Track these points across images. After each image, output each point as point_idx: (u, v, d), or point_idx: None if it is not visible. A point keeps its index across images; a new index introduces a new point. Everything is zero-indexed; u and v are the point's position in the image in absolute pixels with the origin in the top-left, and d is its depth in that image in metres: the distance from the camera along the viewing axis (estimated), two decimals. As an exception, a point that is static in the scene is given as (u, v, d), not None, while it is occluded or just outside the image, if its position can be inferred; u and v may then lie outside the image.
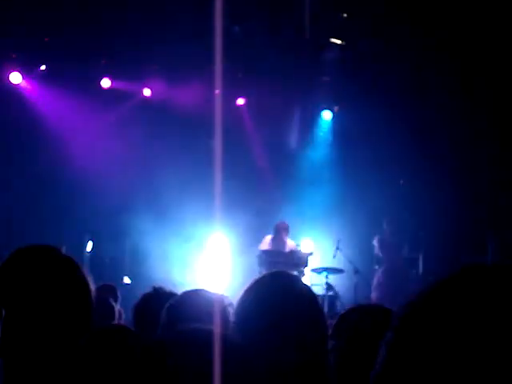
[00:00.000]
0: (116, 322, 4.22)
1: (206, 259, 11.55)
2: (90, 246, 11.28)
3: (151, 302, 3.12)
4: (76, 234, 10.78)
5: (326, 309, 9.63)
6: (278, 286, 1.98)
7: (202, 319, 2.03)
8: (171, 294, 3.10)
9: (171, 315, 2.41)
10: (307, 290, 1.98)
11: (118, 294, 5.33)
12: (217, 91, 11.42)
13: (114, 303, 4.24)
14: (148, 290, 3.31)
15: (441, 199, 10.96)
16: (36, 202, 10.81)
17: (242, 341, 1.78)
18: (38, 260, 1.78)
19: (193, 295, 2.50)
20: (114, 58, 11.00)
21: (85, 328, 1.75)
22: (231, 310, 2.37)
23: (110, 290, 5.16)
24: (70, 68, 10.68)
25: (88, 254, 11.26)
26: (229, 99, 11.56)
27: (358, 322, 2.21)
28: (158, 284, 3.41)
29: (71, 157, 10.80)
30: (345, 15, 10.71)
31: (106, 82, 11.47)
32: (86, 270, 1.85)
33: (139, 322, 3.13)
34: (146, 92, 11.80)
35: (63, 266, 1.80)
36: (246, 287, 2.02)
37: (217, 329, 1.15)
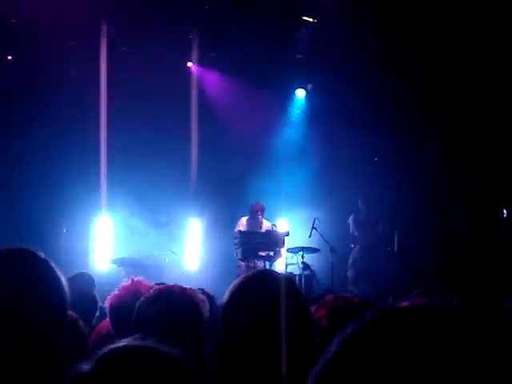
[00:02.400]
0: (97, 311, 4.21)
1: (184, 242, 11.54)
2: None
3: (128, 294, 3.07)
4: (51, 220, 10.68)
5: (302, 288, 9.67)
6: (266, 287, 1.93)
7: (174, 317, 2.02)
8: (149, 288, 3.08)
9: (142, 313, 2.37)
10: (294, 288, 1.95)
11: (95, 282, 5.30)
12: (192, 66, 11.48)
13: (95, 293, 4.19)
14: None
15: (415, 176, 11.02)
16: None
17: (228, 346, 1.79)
18: (16, 263, 1.77)
19: (164, 293, 2.46)
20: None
21: (59, 331, 1.73)
22: (205, 306, 2.34)
23: (87, 279, 5.13)
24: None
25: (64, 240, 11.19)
26: (202, 77, 11.50)
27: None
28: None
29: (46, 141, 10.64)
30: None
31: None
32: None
33: (114, 316, 3.10)
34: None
35: (41, 268, 1.78)
36: (230, 288, 1.97)
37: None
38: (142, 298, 2.45)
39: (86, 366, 1.16)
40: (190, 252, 11.55)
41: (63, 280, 1.79)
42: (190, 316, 2.32)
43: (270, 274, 2.05)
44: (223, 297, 2.00)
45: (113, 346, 1.20)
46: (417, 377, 0.71)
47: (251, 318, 1.87)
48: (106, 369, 1.14)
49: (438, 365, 0.72)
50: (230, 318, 1.91)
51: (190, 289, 2.53)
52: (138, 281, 3.28)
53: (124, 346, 1.20)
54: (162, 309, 2.31)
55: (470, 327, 0.75)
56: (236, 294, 1.95)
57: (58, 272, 1.81)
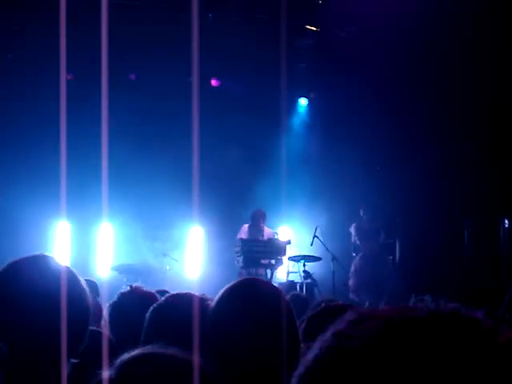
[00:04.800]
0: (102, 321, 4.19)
1: (185, 249, 11.53)
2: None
3: (128, 301, 3.10)
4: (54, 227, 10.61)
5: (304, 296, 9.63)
6: (251, 294, 1.97)
7: (186, 325, 2.02)
8: (148, 294, 3.12)
9: (155, 320, 2.38)
10: (279, 295, 1.98)
11: (100, 290, 5.26)
12: (194, 77, 11.48)
13: (99, 301, 4.16)
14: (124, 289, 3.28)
15: (417, 185, 11.01)
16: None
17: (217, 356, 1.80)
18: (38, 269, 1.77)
19: (177, 299, 2.46)
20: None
21: (84, 332, 1.74)
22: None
23: (91, 286, 5.09)
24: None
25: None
26: (204, 87, 11.49)
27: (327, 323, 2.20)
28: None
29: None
30: (320, 1, 10.67)
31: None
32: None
33: (115, 321, 3.11)
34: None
35: (64, 275, 1.80)
36: (218, 297, 2.00)
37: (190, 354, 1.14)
38: (155, 305, 2.46)
39: (107, 373, 1.13)
40: (191, 259, 11.54)
41: (85, 284, 1.81)
42: (202, 323, 2.32)
43: (256, 283, 2.08)
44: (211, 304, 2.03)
45: (134, 352, 1.18)
46: (388, 376, 0.72)
47: (238, 325, 1.90)
48: (128, 375, 1.11)
49: (411, 367, 0.71)
50: (217, 326, 1.92)
51: (202, 296, 2.53)
52: (136, 287, 3.28)
53: (146, 353, 1.17)
54: (174, 316, 2.32)
55: (440, 331, 0.74)
56: (222, 302, 1.98)
57: (79, 277, 1.84)
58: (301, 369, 0.79)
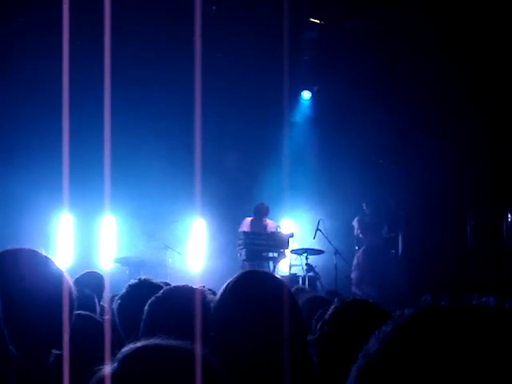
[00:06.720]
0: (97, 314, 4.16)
1: (188, 242, 11.54)
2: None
3: (136, 293, 3.08)
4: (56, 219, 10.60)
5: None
6: (255, 287, 1.95)
7: (184, 317, 2.02)
8: (157, 286, 3.10)
9: (153, 312, 2.37)
10: (283, 287, 1.96)
11: (105, 282, 5.22)
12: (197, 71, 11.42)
13: (94, 296, 4.13)
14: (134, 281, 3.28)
15: (420, 178, 10.99)
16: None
17: (220, 351, 1.78)
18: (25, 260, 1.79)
19: (175, 292, 2.46)
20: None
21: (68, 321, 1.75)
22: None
23: (96, 278, 5.07)
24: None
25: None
26: (208, 80, 11.47)
27: (345, 325, 2.20)
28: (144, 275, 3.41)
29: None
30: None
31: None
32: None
33: (123, 313, 3.08)
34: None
35: (45, 265, 1.81)
36: (221, 290, 1.99)
37: (193, 344, 1.13)
38: (153, 298, 2.45)
39: (110, 365, 1.11)
40: (194, 252, 11.55)
41: (67, 277, 1.81)
42: (199, 315, 2.32)
43: (260, 275, 2.06)
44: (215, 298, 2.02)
45: (137, 344, 1.15)
46: (460, 375, 0.72)
47: (243, 318, 1.88)
48: (132, 368, 1.09)
49: (482, 364, 0.72)
50: (222, 319, 1.91)
51: (200, 288, 2.52)
52: (145, 279, 3.28)
53: (149, 345, 1.15)
54: (172, 308, 2.31)
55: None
56: (227, 296, 1.96)
57: (61, 269, 1.84)
58: (361, 362, 0.79)
